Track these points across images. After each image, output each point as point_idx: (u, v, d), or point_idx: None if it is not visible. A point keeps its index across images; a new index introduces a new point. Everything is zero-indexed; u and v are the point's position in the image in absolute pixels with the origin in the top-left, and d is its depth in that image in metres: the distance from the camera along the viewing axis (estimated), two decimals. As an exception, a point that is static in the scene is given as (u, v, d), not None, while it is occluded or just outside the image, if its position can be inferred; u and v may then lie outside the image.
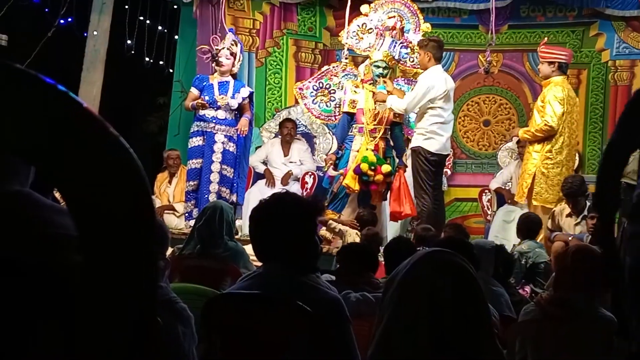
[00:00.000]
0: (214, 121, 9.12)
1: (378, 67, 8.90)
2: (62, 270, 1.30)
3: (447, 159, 9.78)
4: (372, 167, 8.44)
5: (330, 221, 8.32)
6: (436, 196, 8.63)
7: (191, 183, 9.17)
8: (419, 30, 9.12)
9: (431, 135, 8.56)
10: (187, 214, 9.28)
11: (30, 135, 1.13)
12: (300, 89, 9.52)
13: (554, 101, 8.51)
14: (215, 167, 9.09)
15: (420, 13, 9.27)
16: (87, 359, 1.16)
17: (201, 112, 9.12)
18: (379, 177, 8.49)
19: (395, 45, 8.96)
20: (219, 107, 9.12)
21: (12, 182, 1.36)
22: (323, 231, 8.23)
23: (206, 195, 8.99)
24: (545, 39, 9.33)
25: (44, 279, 1.30)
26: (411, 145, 8.80)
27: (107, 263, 1.15)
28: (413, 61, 9.03)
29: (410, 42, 9.01)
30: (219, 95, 9.14)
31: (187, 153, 9.29)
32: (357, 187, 8.56)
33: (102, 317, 1.15)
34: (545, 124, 8.48)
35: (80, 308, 1.16)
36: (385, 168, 8.52)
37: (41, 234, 1.32)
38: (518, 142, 9.97)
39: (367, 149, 8.64)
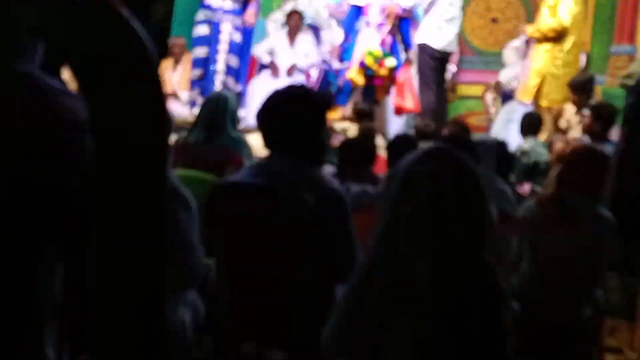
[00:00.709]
0: (221, 10, 9.02)
1: None
2: (75, 156, 1.31)
3: (453, 55, 9.69)
4: (377, 61, 8.39)
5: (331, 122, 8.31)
6: (439, 93, 8.62)
7: (196, 72, 9.13)
8: None
9: (437, 31, 8.52)
10: (191, 102, 9.25)
11: (45, 15, 1.13)
12: None
13: (570, 0, 8.37)
14: (221, 57, 9.03)
15: None
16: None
17: (207, 2, 9.01)
18: (384, 71, 8.45)
19: None
20: None
21: (21, 62, 1.35)
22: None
23: (211, 85, 8.96)
24: None
25: (55, 165, 1.31)
26: (416, 40, 8.75)
27: (119, 154, 1.16)
28: None
29: None
30: None
31: (192, 41, 9.21)
32: (361, 80, 8.52)
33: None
34: (559, 24, 8.35)
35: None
36: (390, 62, 8.47)
37: (53, 117, 1.32)
38: (527, 41, 9.83)
39: (373, 43, 8.57)
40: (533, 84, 8.54)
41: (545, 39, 8.52)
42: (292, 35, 10.50)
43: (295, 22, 10.43)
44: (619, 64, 10.99)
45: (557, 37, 8.43)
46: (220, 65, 9.05)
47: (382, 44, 8.61)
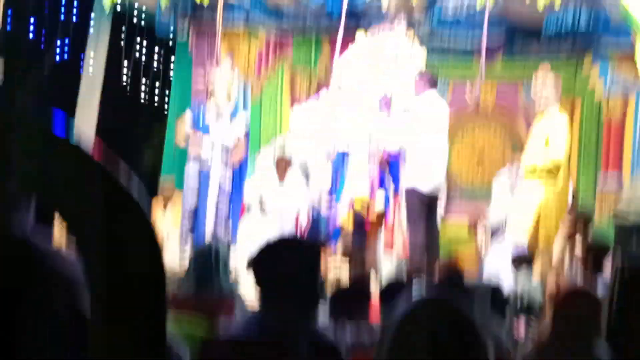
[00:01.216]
0: (214, 152, 9.15)
1: None
2: (73, 316, 1.33)
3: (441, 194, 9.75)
4: (365, 206, 8.44)
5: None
6: (430, 231, 8.64)
7: (189, 209, 9.18)
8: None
9: (424, 174, 8.64)
10: (183, 242, 9.22)
11: (47, 187, 1.17)
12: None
13: (562, 133, 8.44)
14: (211, 205, 9.10)
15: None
16: None
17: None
18: (373, 216, 8.47)
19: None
20: (219, 138, 9.17)
21: (16, 226, 1.39)
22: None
23: (202, 230, 8.96)
24: (548, 64, 9.22)
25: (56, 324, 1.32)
26: (405, 184, 8.84)
27: (118, 315, 1.17)
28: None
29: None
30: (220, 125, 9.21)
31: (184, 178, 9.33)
32: (350, 225, 8.56)
33: None
34: (553, 159, 8.38)
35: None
36: (379, 207, 8.49)
37: (53, 278, 1.35)
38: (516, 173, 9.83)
39: (360, 189, 8.63)
40: (527, 220, 8.51)
41: (537, 174, 8.53)
42: (281, 174, 10.58)
43: (283, 168, 10.55)
44: (607, 198, 11.11)
45: (550, 172, 8.46)
46: (209, 215, 9.10)
47: (371, 187, 8.65)
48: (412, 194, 8.60)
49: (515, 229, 8.73)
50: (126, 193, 1.19)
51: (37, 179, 1.17)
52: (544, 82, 8.69)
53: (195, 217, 9.13)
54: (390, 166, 8.95)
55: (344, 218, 8.56)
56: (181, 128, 9.29)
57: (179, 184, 10.09)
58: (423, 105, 8.64)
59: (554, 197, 8.50)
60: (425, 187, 8.58)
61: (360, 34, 9.13)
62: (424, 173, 8.57)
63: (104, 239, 1.16)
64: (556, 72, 11.34)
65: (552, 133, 8.47)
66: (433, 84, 8.79)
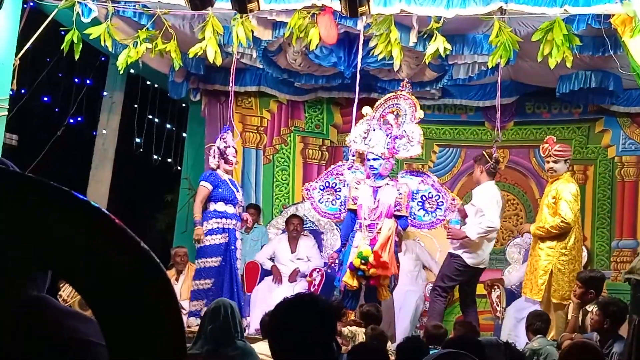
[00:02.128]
0: (235, 218, 9.14)
1: (372, 163, 8.87)
2: None
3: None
4: (364, 262, 8.39)
5: (339, 327, 8.18)
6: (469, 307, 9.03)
7: (206, 281, 9.02)
8: (414, 119, 9.05)
9: (473, 249, 8.89)
10: (195, 312, 9.08)
11: (64, 253, 1.14)
12: (307, 189, 9.50)
13: (571, 198, 8.48)
14: (238, 264, 9.10)
15: (417, 103, 9.19)
16: None
17: (221, 209, 9.07)
18: (373, 270, 8.39)
19: (389, 138, 8.92)
20: (237, 204, 9.17)
21: (30, 287, 1.37)
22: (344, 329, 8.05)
23: (228, 293, 8.86)
24: (554, 137, 9.25)
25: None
26: (452, 248, 9.05)
27: None
28: (408, 150, 8.95)
29: (405, 132, 8.95)
30: (237, 191, 9.21)
31: (201, 250, 9.13)
32: (355, 283, 8.49)
33: None
34: (562, 221, 8.40)
35: None
36: (374, 258, 8.41)
37: (66, 340, 1.33)
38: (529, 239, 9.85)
39: (364, 244, 8.59)
40: (541, 282, 8.50)
41: (548, 236, 8.55)
42: (293, 240, 10.59)
43: (295, 227, 10.54)
44: (622, 258, 11.06)
45: (561, 234, 8.48)
46: (237, 273, 9.11)
47: (372, 243, 8.59)
48: (454, 257, 8.98)
49: (530, 290, 8.70)
50: (150, 259, 1.18)
51: (57, 242, 1.15)
52: (550, 155, 8.74)
53: (222, 274, 9.06)
54: (400, 219, 8.88)
55: (347, 275, 8.52)
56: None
57: (191, 258, 10.05)
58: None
59: (567, 253, 8.47)
60: (469, 260, 8.91)
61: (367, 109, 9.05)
62: (471, 247, 8.91)
63: (126, 306, 1.15)
64: (567, 136, 11.45)
65: (559, 196, 8.50)
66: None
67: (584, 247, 9.95)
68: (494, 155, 9.40)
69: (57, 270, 1.21)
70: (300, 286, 9.97)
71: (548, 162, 8.83)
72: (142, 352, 1.15)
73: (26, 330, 1.29)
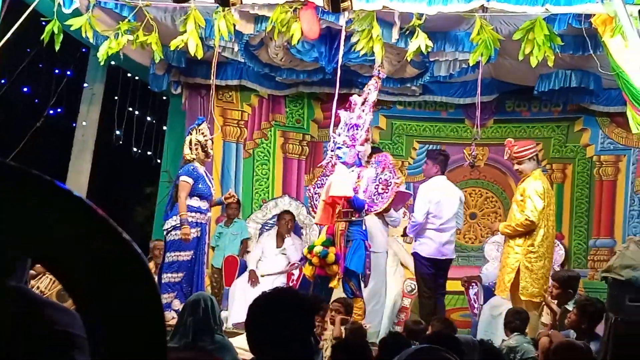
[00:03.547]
0: (207, 213, 9.07)
1: (337, 152, 8.78)
2: None
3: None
4: (310, 251, 8.40)
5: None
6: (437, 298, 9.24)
7: (178, 275, 8.91)
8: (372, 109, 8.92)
9: (424, 240, 9.21)
10: (165, 305, 8.95)
11: (47, 241, 1.14)
12: (309, 190, 9.50)
13: (535, 196, 8.51)
14: (205, 258, 9.09)
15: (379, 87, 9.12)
16: None
17: (196, 204, 8.94)
18: (315, 259, 8.34)
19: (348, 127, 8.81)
20: (211, 198, 9.11)
21: (10, 278, 1.37)
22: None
23: (201, 287, 8.83)
24: (512, 140, 9.19)
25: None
26: (411, 249, 9.47)
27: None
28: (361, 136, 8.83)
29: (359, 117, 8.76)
30: (212, 186, 9.16)
31: (174, 244, 8.99)
32: (310, 272, 8.49)
33: None
34: (527, 219, 8.44)
35: None
36: (317, 249, 8.36)
37: (45, 331, 1.33)
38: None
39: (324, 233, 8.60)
40: (507, 280, 8.54)
41: (515, 234, 8.59)
42: (280, 236, 10.58)
43: (286, 222, 10.56)
44: (599, 256, 11.13)
45: (527, 231, 8.51)
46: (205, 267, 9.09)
47: (330, 231, 8.52)
48: (415, 257, 9.38)
49: (498, 287, 8.75)
50: (131, 249, 1.18)
51: (40, 231, 1.14)
52: (511, 157, 8.78)
53: (194, 268, 8.98)
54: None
55: (306, 268, 8.56)
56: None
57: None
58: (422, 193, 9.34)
59: (535, 250, 8.49)
60: (423, 252, 9.25)
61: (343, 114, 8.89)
62: (428, 238, 9.28)
63: (107, 295, 1.14)
64: (547, 135, 11.51)
65: (525, 194, 8.54)
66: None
67: (561, 245, 10.02)
68: (473, 153, 9.46)
69: (40, 259, 1.21)
70: (279, 281, 9.98)
71: (513, 164, 8.91)
72: (126, 344, 1.15)
73: (6, 321, 1.29)
